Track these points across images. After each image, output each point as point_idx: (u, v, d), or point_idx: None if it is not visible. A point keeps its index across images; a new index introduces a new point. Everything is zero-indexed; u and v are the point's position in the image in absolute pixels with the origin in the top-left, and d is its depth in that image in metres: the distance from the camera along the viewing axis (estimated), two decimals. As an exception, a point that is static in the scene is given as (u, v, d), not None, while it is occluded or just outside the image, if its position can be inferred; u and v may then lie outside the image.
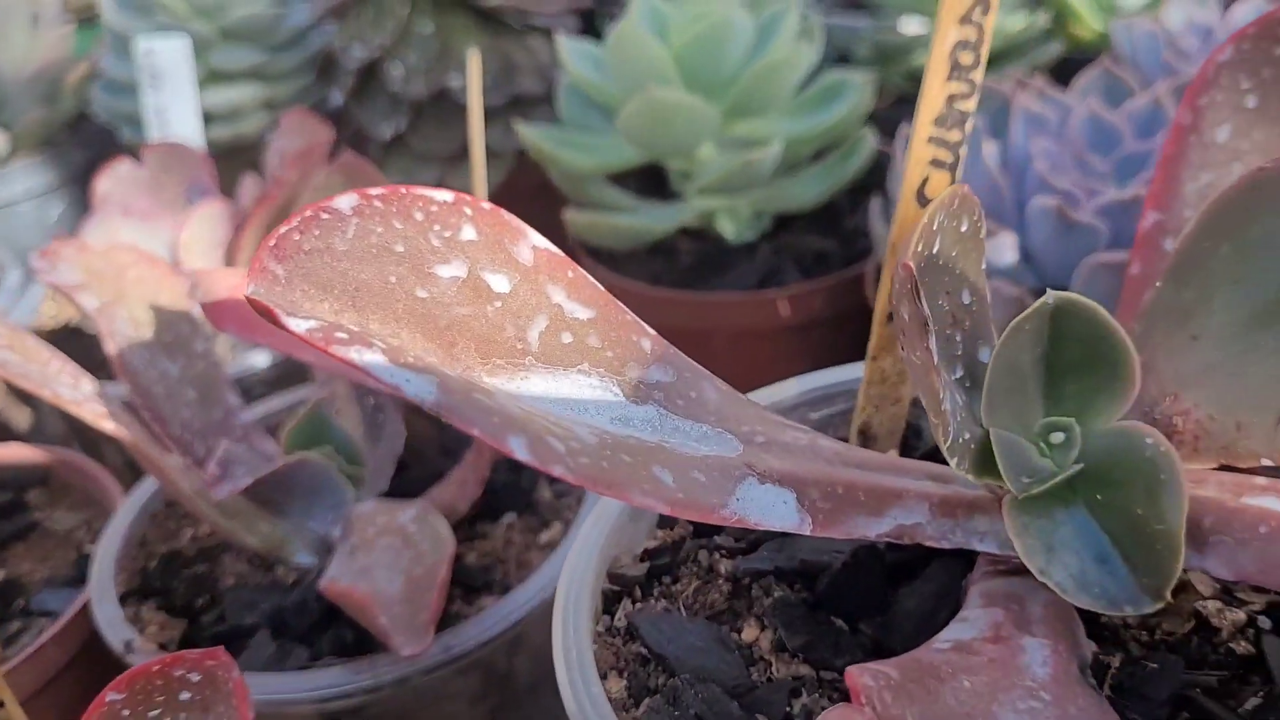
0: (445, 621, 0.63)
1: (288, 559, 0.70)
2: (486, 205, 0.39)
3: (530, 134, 0.98)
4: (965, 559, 0.43)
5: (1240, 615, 0.40)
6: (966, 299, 0.37)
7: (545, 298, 0.39)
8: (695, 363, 0.41)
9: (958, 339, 0.37)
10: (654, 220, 0.96)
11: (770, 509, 0.36)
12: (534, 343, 0.38)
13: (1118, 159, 0.76)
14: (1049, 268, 0.73)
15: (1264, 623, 0.40)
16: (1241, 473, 0.38)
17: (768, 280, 0.94)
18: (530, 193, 1.18)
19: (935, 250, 0.35)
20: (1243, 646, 0.39)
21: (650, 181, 1.06)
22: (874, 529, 0.38)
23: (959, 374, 0.37)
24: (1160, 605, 0.35)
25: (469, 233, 0.39)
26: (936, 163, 0.45)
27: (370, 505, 0.69)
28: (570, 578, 0.44)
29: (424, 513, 0.67)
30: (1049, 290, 0.36)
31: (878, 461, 0.40)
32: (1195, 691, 0.37)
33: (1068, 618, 0.38)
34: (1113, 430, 0.37)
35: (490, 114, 1.20)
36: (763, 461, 0.37)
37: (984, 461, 0.37)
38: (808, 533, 0.36)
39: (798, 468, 0.38)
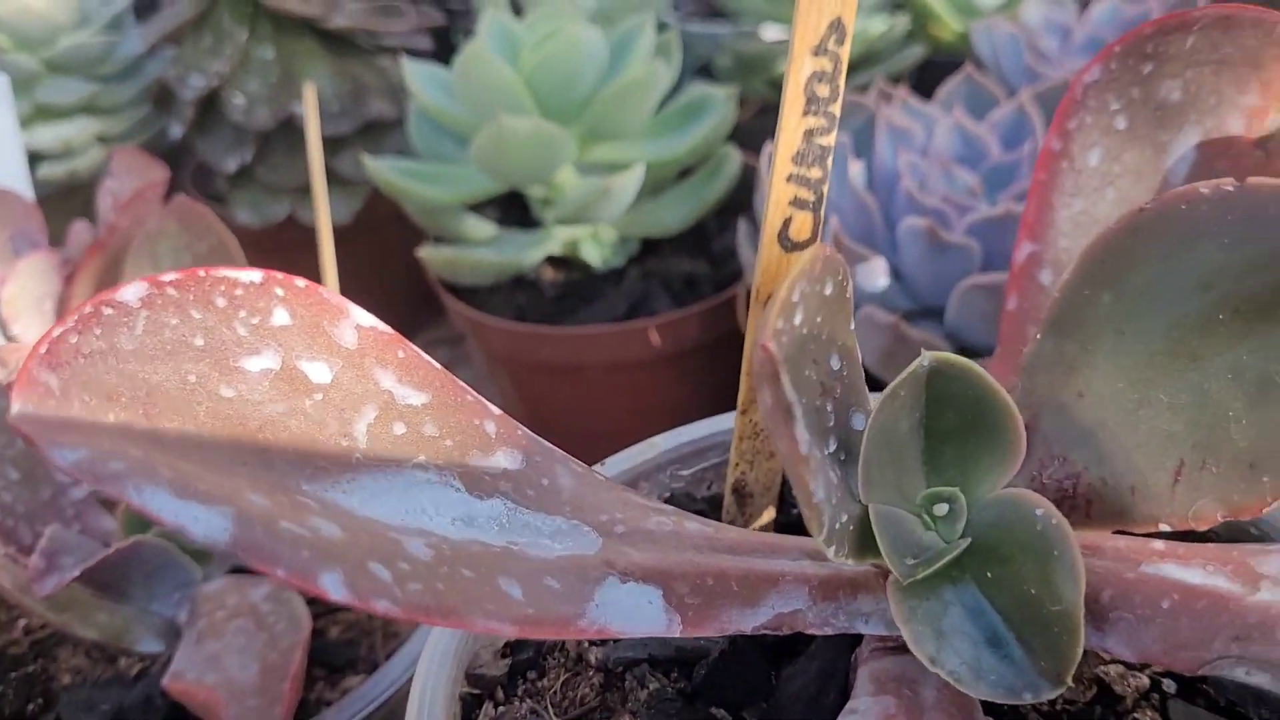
0: (306, 710, 0.58)
1: (131, 648, 0.64)
2: (301, 283, 0.35)
3: (377, 167, 0.92)
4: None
5: (1144, 680, 0.37)
6: (836, 364, 0.34)
7: (373, 384, 0.35)
8: (548, 443, 0.37)
9: (829, 409, 0.34)
10: (516, 252, 0.91)
11: (634, 612, 0.32)
12: (361, 438, 0.34)
13: (986, 170, 0.74)
14: (922, 290, 0.70)
15: (1169, 686, 0.37)
16: (1138, 536, 0.35)
17: (637, 308, 0.91)
18: (389, 220, 1.13)
19: (798, 321, 0.31)
20: (1148, 715, 0.36)
21: (512, 208, 1.01)
22: (750, 621, 0.34)
23: (832, 447, 0.34)
24: (1061, 690, 0.32)
25: (282, 317, 0.34)
26: (798, 202, 0.42)
27: (219, 584, 0.64)
28: (422, 686, 0.40)
29: (278, 588, 0.62)
30: (923, 351, 0.33)
31: (751, 543, 0.36)
32: (1101, 772, 0.35)
33: (963, 701, 0.35)
34: (1000, 499, 0.34)
35: (341, 141, 1.14)
36: (624, 556, 0.34)
37: (864, 542, 0.34)
38: (677, 634, 0.33)
39: (663, 560, 0.34)
